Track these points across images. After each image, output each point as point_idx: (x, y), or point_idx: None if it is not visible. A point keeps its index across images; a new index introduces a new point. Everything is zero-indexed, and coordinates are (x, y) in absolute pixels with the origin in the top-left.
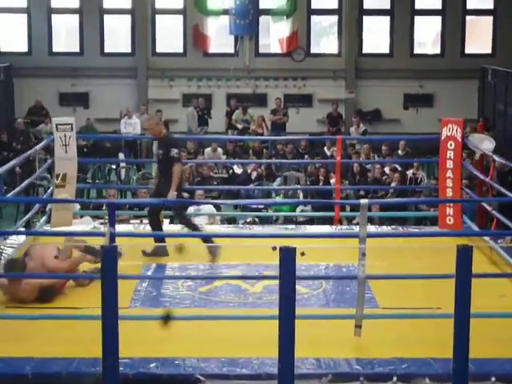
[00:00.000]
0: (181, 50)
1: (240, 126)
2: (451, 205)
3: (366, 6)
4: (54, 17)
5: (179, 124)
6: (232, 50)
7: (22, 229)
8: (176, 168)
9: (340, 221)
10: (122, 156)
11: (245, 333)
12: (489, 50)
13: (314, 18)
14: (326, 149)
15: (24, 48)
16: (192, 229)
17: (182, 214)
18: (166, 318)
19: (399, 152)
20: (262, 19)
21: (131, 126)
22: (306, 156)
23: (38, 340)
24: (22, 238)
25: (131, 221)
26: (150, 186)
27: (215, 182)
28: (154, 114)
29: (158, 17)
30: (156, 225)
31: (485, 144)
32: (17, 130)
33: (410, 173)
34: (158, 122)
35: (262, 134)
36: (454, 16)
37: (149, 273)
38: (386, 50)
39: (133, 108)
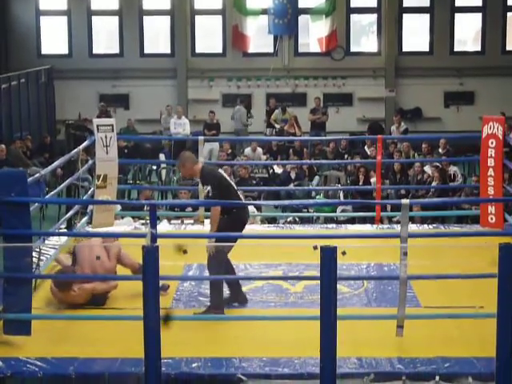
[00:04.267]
0: (220, 51)
1: (278, 126)
2: (493, 203)
3: (406, 3)
4: (94, 19)
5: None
6: (271, 50)
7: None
8: None
9: (381, 220)
10: (162, 157)
11: (286, 332)
12: None
13: (354, 17)
14: (366, 148)
15: (65, 50)
16: None
17: None
18: (166, 319)
19: (440, 150)
20: (301, 18)
21: (181, 127)
22: (346, 155)
23: (82, 340)
24: (64, 238)
25: (172, 221)
26: (191, 187)
27: (254, 181)
28: None
29: (197, 17)
30: None
31: None
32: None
33: None
34: None
35: (294, 134)
36: (494, 13)
37: (190, 273)
38: (426, 48)
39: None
